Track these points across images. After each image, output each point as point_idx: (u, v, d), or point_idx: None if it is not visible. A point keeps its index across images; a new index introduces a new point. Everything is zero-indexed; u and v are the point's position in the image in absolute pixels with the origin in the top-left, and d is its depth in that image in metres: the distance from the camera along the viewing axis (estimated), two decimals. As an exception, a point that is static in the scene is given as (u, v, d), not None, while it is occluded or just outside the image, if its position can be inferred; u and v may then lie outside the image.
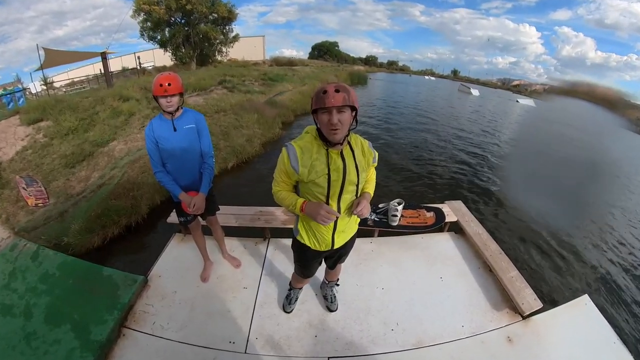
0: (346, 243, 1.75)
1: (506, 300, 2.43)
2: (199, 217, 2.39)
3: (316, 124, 1.33)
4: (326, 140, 1.32)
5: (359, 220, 1.76)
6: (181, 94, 1.96)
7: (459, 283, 2.61)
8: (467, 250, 3.00)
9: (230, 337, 2.09)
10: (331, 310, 2.29)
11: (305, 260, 1.82)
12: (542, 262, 3.85)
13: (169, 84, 1.85)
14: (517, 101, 32.27)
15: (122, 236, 3.88)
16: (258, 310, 2.30)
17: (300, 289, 2.33)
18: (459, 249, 3.01)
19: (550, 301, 2.93)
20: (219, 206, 2.50)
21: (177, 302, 2.36)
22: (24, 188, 4.67)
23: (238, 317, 2.24)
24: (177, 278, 2.58)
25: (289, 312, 2.28)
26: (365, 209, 1.43)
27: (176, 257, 2.80)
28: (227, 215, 3.05)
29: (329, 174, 1.38)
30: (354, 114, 1.29)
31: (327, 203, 1.45)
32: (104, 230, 3.77)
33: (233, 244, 2.95)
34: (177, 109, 1.98)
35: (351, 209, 1.49)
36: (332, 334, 2.14)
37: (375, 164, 1.58)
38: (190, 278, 2.58)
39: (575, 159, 8.53)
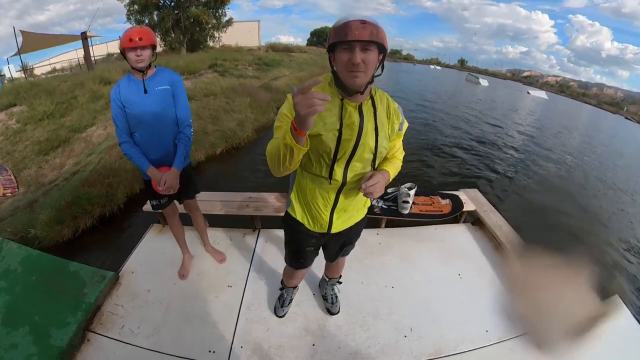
0: (350, 229, 1.50)
1: (533, 301, 2.22)
2: (175, 201, 2.15)
3: (332, 67, 1.11)
4: (343, 88, 1.10)
5: (368, 203, 1.51)
6: (154, 47, 1.76)
7: (478, 280, 2.40)
8: (486, 243, 2.80)
9: (211, 345, 1.87)
10: (332, 313, 2.07)
11: (297, 241, 1.55)
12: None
13: (140, 39, 1.66)
14: (528, 93, 32.37)
15: (95, 227, 3.67)
16: (244, 313, 2.07)
17: (295, 288, 2.07)
18: (477, 242, 2.82)
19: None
20: (201, 191, 2.27)
21: (151, 303, 2.15)
22: (-10, 177, 4.43)
23: (220, 321, 2.02)
24: (153, 274, 2.37)
25: (281, 317, 2.05)
26: (378, 187, 1.17)
27: (153, 251, 2.59)
28: (211, 202, 2.81)
29: (340, 131, 1.14)
30: (381, 56, 1.06)
31: (332, 169, 1.21)
32: (75, 221, 3.56)
33: (217, 235, 2.73)
34: (149, 66, 1.77)
35: (360, 182, 1.22)
36: (333, 342, 1.92)
37: (402, 133, 1.32)
38: (167, 275, 2.36)
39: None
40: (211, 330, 1.96)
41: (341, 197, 1.32)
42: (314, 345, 1.88)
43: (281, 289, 2.08)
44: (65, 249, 3.32)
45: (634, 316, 2.20)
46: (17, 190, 4.69)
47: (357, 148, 1.18)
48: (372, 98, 1.18)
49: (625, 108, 41.24)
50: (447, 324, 2.04)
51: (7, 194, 4.53)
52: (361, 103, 1.15)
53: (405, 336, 1.94)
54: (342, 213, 1.40)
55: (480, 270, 2.51)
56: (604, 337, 1.94)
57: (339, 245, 1.62)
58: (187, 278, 2.33)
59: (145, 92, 1.77)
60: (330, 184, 1.26)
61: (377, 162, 1.25)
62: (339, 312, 2.08)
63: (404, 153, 1.39)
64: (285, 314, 2.06)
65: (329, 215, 1.37)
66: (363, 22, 0.97)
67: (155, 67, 1.85)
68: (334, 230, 1.43)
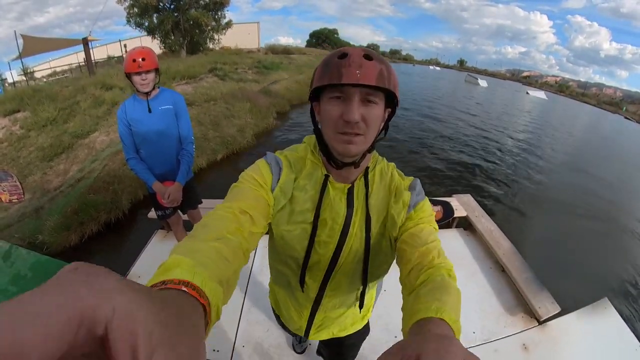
0: (339, 341, 1.10)
1: (521, 304, 2.34)
2: (179, 211, 2.28)
3: (315, 124, 0.73)
4: (329, 156, 0.71)
5: (369, 315, 1.10)
6: (157, 70, 1.86)
7: (469, 285, 2.50)
8: (477, 248, 2.90)
9: (214, 345, 1.97)
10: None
11: (282, 326, 1.18)
12: (558, 260, 3.74)
13: (143, 59, 1.74)
14: (527, 93, 32.38)
15: (101, 233, 3.77)
16: (245, 315, 2.17)
17: None
18: (469, 247, 2.92)
19: (566, 304, 2.83)
20: (203, 200, 2.39)
21: (157, 306, 2.25)
22: (-3, 183, 4.54)
23: (223, 322, 2.11)
24: (158, 279, 2.46)
25: (300, 353, 1.92)
26: None
27: (158, 256, 2.69)
28: (212, 209, 2.91)
29: (314, 225, 0.74)
30: (388, 112, 0.69)
31: (302, 281, 0.81)
32: (81, 227, 3.67)
33: (219, 242, 2.81)
34: (153, 87, 1.87)
35: (348, 299, 0.85)
36: (328, 342, 2.01)
37: (422, 213, 0.73)
38: (172, 279, 2.45)
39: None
40: (215, 331, 2.04)
41: (319, 313, 0.93)
42: (310, 344, 1.98)
43: None
44: (72, 254, 3.40)
45: (623, 318, 2.28)
46: (23, 196, 4.82)
47: (339, 256, 0.76)
48: (365, 173, 0.76)
49: (625, 108, 41.34)
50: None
51: (14, 200, 4.67)
52: (353, 183, 0.75)
53: (396, 337, 2.05)
54: (323, 330, 1.01)
55: (470, 274, 2.60)
56: (592, 341, 2.07)
57: (329, 350, 1.33)
58: (191, 282, 2.43)
59: (150, 111, 1.86)
60: (303, 292, 0.86)
61: (369, 276, 0.78)
62: (334, 314, 2.14)
63: (449, 264, 0.65)
64: (304, 349, 1.91)
65: (304, 325, 0.98)
66: (368, 57, 0.60)
67: (159, 87, 1.94)
68: (312, 338, 1.05)
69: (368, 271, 0.77)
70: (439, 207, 3.11)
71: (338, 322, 0.98)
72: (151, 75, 1.80)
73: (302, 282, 0.82)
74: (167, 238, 2.87)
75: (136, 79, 1.77)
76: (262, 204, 0.69)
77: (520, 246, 2.83)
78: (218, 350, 1.94)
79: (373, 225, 0.74)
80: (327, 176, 0.73)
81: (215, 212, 0.63)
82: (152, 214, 2.80)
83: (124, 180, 4.43)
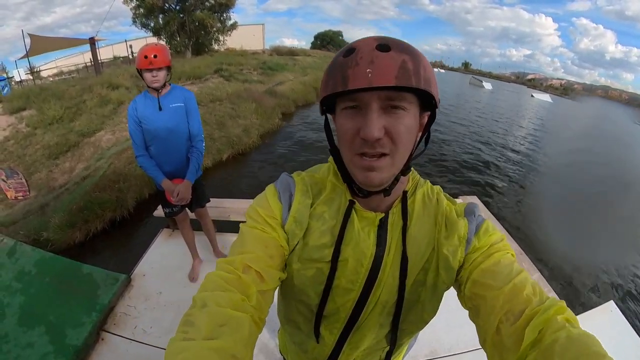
0: None
1: (529, 306, 2.31)
2: (186, 208, 2.27)
3: (331, 143, 0.60)
4: (351, 182, 0.57)
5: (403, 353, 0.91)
6: (169, 68, 1.85)
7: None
8: (483, 250, 2.87)
9: (220, 344, 1.95)
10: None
11: None
12: (565, 261, 3.71)
13: (155, 56, 1.73)
14: (532, 96, 32.32)
15: (106, 231, 3.80)
16: (251, 315, 2.15)
17: None
18: None
19: (574, 306, 2.81)
20: (210, 198, 2.38)
21: (162, 304, 2.23)
22: (3, 180, 4.59)
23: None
24: (163, 277, 2.46)
25: None
26: None
27: (163, 255, 2.69)
28: (219, 208, 2.92)
29: (333, 267, 0.58)
30: (426, 117, 0.55)
31: (317, 332, 0.66)
32: (86, 225, 3.69)
33: (225, 240, 2.81)
34: (164, 85, 1.86)
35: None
36: (334, 342, 1.99)
37: (498, 251, 0.54)
38: (178, 278, 2.45)
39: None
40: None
41: None
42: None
43: None
44: (77, 251, 3.42)
45: (629, 322, 2.23)
46: (28, 193, 4.88)
47: (365, 306, 0.60)
48: (404, 199, 0.59)
49: (631, 111, 41.13)
50: (442, 327, 2.09)
51: (19, 197, 4.72)
52: (387, 213, 0.58)
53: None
54: None
55: (477, 276, 2.60)
56: (599, 340, 2.06)
57: None
58: (197, 281, 2.41)
59: (160, 109, 1.86)
60: (318, 342, 0.69)
61: (400, 334, 0.64)
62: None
63: (560, 303, 0.44)
64: None
65: None
66: (383, 47, 0.45)
67: (170, 84, 1.93)
68: None
69: (399, 328, 0.62)
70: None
71: None
72: (162, 73, 1.80)
73: (316, 333, 0.66)
74: (172, 237, 2.86)
75: (147, 75, 1.77)
76: (272, 250, 0.57)
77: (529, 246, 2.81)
78: (223, 350, 1.92)
79: (410, 269, 0.57)
80: (352, 202, 0.58)
81: (216, 276, 0.52)
82: (159, 211, 2.80)
83: (130, 179, 4.46)
